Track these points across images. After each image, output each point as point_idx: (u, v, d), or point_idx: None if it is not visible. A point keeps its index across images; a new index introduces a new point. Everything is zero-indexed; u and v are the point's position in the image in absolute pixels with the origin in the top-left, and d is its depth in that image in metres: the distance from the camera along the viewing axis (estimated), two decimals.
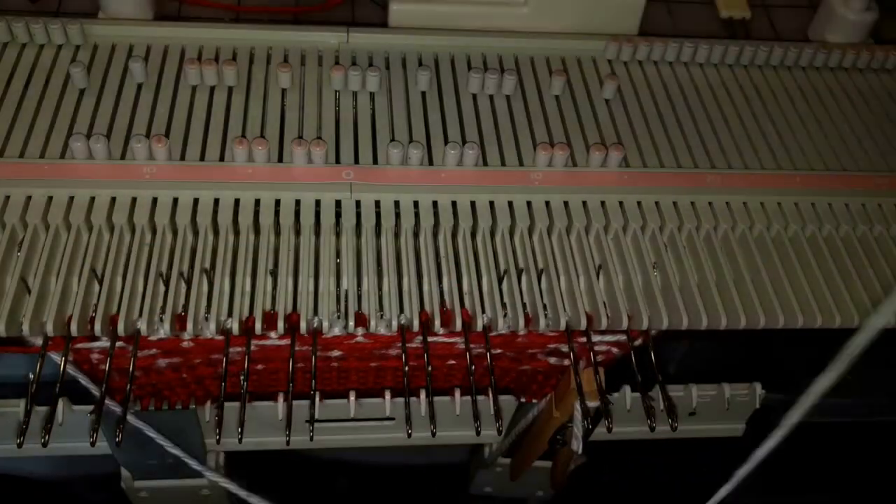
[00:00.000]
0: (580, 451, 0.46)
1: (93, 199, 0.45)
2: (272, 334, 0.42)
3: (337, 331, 0.42)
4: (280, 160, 0.48)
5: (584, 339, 0.43)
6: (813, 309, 0.44)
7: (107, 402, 0.41)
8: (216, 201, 0.46)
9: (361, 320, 0.42)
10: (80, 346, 0.42)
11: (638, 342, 0.44)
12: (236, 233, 0.45)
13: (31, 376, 0.39)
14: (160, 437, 0.45)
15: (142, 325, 0.40)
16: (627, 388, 0.47)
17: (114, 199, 0.45)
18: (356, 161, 0.49)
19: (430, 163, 0.49)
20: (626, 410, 0.47)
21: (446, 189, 0.47)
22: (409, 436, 0.40)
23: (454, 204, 0.47)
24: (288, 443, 0.40)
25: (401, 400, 0.48)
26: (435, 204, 0.47)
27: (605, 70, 0.58)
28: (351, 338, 0.43)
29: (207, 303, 0.42)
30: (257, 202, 0.46)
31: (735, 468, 0.42)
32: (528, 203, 0.48)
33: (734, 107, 0.57)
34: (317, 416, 0.41)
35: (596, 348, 0.44)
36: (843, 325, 0.44)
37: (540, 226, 0.47)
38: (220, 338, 0.41)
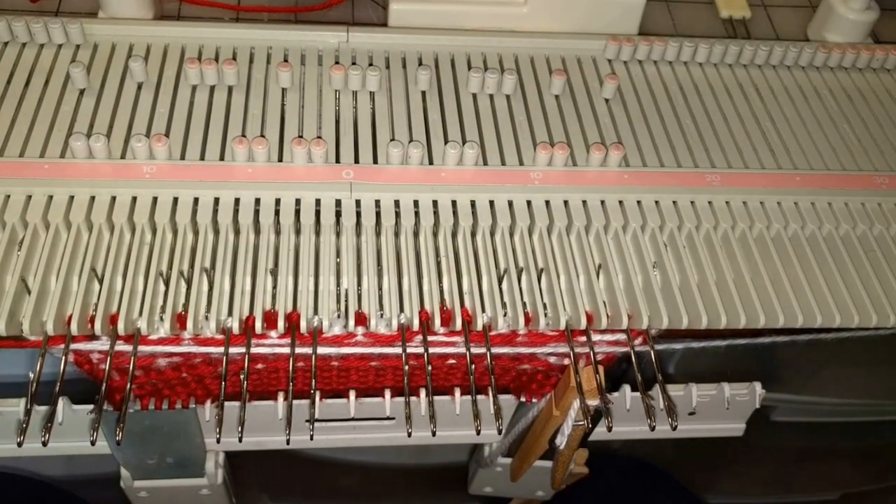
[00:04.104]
0: (563, 446, 0.46)
1: (93, 198, 0.45)
2: (272, 333, 0.42)
3: (337, 330, 0.42)
4: (280, 159, 0.48)
5: (584, 339, 0.43)
6: (813, 308, 0.44)
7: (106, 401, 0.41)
8: (216, 200, 0.46)
9: (361, 319, 0.42)
10: (79, 346, 0.42)
11: (638, 342, 0.44)
12: (236, 232, 0.45)
13: (32, 375, 0.39)
14: (160, 436, 0.45)
15: (142, 325, 0.40)
16: (627, 388, 0.47)
17: (114, 198, 0.45)
18: (356, 160, 0.49)
19: (430, 162, 0.49)
20: (626, 410, 0.47)
21: (446, 188, 0.48)
22: (410, 435, 0.40)
23: (454, 203, 0.47)
24: (288, 442, 0.40)
25: (401, 399, 0.48)
26: (435, 203, 0.47)
27: (605, 70, 0.58)
28: (351, 337, 0.43)
29: (208, 302, 0.42)
30: (257, 201, 0.46)
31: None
32: (528, 202, 0.48)
33: (734, 107, 0.57)
34: (317, 416, 0.41)
35: (596, 348, 0.44)
36: (843, 324, 0.45)
37: (540, 225, 0.47)
38: (221, 337, 0.41)
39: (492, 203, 0.47)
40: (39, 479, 0.67)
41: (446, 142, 0.50)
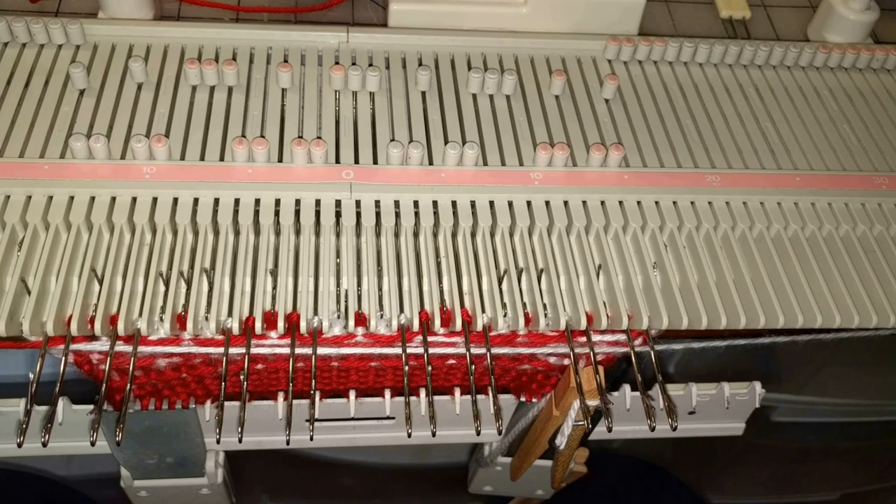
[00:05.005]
0: (563, 446, 0.46)
1: (93, 198, 0.45)
2: (272, 334, 0.42)
3: (337, 331, 0.42)
4: (280, 160, 0.48)
5: (584, 339, 0.43)
6: (813, 309, 0.44)
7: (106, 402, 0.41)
8: (216, 201, 0.46)
9: (361, 320, 0.42)
10: (78, 346, 0.42)
11: (638, 342, 0.44)
12: (236, 232, 0.45)
13: (32, 376, 0.39)
14: (160, 437, 0.45)
15: (142, 325, 0.40)
16: (627, 388, 0.47)
17: (114, 198, 0.45)
18: (356, 161, 0.49)
19: (430, 162, 0.49)
20: (626, 410, 0.47)
21: (446, 189, 0.48)
22: (410, 435, 0.40)
23: (454, 203, 0.47)
24: (288, 442, 0.40)
25: (401, 399, 0.48)
26: (435, 204, 0.47)
27: (605, 70, 0.58)
28: (351, 338, 0.43)
29: (207, 303, 0.42)
30: (257, 202, 0.46)
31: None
32: (528, 203, 0.48)
33: (734, 107, 0.57)
34: (317, 416, 0.41)
35: (596, 348, 0.44)
36: (843, 324, 0.45)
37: (540, 225, 0.47)
38: (220, 337, 0.42)
39: (492, 203, 0.47)
40: (45, 477, 0.68)
41: (446, 142, 0.50)
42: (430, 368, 0.41)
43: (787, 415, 0.70)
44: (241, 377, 0.41)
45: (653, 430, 0.42)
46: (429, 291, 0.44)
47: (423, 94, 0.54)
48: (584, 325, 0.43)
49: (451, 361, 0.48)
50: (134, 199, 0.45)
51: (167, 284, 0.42)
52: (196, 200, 0.46)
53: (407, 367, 0.41)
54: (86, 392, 0.45)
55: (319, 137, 0.49)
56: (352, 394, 0.48)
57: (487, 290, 0.44)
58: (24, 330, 0.39)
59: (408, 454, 0.76)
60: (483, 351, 0.42)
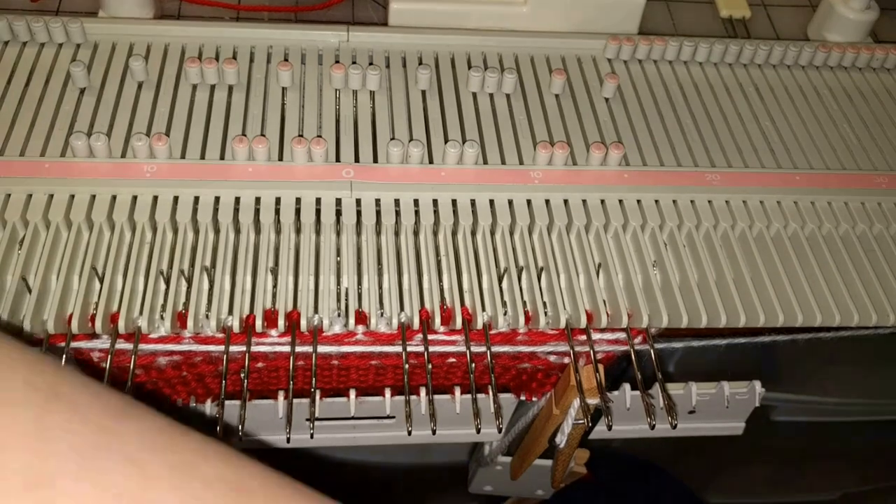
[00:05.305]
0: (563, 445, 0.46)
1: (93, 197, 0.45)
2: (272, 332, 0.42)
3: (337, 329, 0.42)
4: (280, 158, 0.48)
5: (584, 338, 0.43)
6: (812, 307, 0.44)
7: None
8: (217, 199, 0.46)
9: (362, 318, 0.42)
10: (79, 344, 0.42)
11: (638, 340, 0.45)
12: (237, 231, 0.45)
13: None
14: None
15: (142, 323, 0.40)
16: (627, 387, 0.47)
17: (114, 197, 0.45)
18: (356, 159, 0.49)
19: (431, 161, 0.49)
20: (626, 409, 0.47)
21: (446, 187, 0.48)
22: (410, 434, 0.40)
23: (454, 202, 0.47)
24: (288, 441, 0.40)
25: (401, 398, 0.48)
26: (435, 202, 0.47)
27: (605, 69, 0.58)
28: (351, 336, 0.43)
29: (208, 301, 0.42)
30: (258, 200, 0.46)
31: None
32: (528, 201, 0.48)
33: (734, 106, 0.57)
34: (317, 415, 0.41)
35: (596, 346, 0.44)
36: (843, 323, 0.45)
37: (540, 224, 0.47)
38: (221, 335, 0.42)
39: (492, 202, 0.47)
40: None
41: (446, 141, 0.50)
42: (430, 367, 0.41)
43: (787, 414, 0.70)
44: (242, 375, 0.41)
45: (653, 428, 0.42)
46: (429, 290, 0.44)
47: (424, 92, 0.54)
48: (584, 323, 0.43)
49: (452, 360, 0.48)
50: (134, 198, 0.45)
51: (168, 283, 0.42)
52: (196, 199, 0.46)
53: (407, 366, 0.41)
54: None
55: (320, 136, 0.49)
56: (352, 393, 0.48)
57: (487, 289, 0.44)
58: (25, 328, 0.39)
59: (408, 453, 0.76)
60: (483, 349, 0.42)
